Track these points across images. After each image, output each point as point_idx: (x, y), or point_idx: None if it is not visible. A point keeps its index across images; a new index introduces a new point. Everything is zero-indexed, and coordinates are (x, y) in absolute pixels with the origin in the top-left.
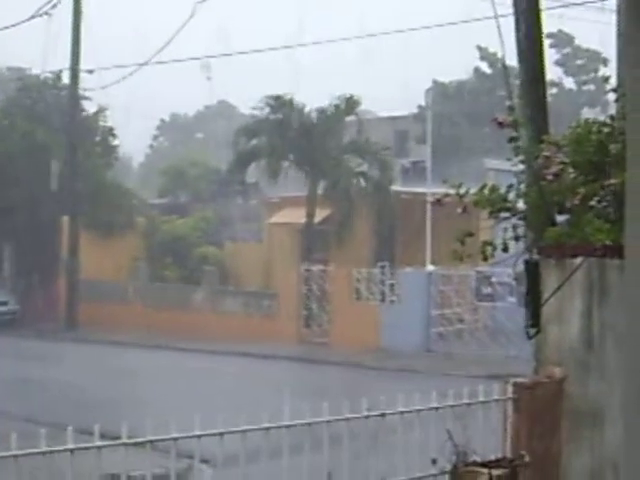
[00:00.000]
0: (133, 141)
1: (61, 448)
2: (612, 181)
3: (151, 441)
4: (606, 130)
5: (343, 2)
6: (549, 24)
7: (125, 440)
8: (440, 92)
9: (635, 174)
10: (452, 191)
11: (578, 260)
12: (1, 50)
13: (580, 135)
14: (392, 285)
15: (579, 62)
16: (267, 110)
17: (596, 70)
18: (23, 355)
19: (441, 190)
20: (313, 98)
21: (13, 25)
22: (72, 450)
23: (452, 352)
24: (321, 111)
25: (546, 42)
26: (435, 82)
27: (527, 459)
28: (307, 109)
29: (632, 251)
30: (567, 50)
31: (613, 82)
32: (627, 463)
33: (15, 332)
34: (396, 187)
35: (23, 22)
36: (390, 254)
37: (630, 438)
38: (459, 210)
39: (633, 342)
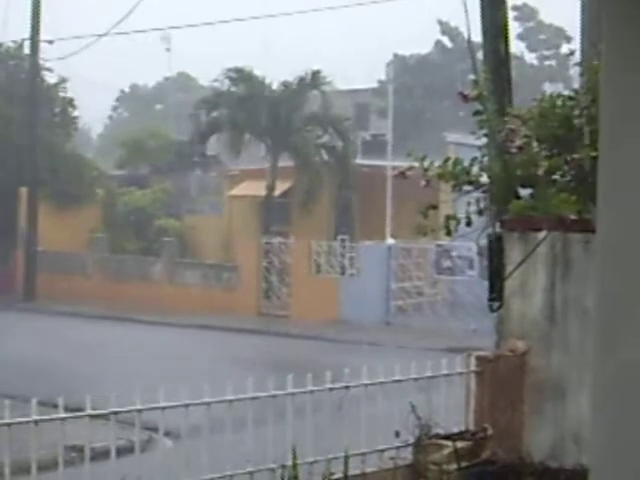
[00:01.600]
0: (92, 112)
1: (25, 419)
2: (575, 156)
3: (115, 412)
4: (570, 104)
5: None
6: None
7: (89, 412)
8: (401, 66)
9: (606, 149)
10: (415, 164)
11: (542, 234)
12: None
13: (545, 109)
14: (352, 258)
15: (542, 37)
16: (227, 83)
17: (558, 46)
18: None
19: (401, 164)
20: (273, 70)
21: None
22: (36, 421)
23: (411, 325)
24: (286, 84)
25: (510, 15)
26: (396, 55)
27: (490, 432)
28: (267, 81)
29: (603, 228)
30: (530, 24)
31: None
32: (595, 442)
33: None
34: (357, 160)
35: None
36: (350, 227)
37: (598, 416)
38: (422, 183)
39: (602, 318)
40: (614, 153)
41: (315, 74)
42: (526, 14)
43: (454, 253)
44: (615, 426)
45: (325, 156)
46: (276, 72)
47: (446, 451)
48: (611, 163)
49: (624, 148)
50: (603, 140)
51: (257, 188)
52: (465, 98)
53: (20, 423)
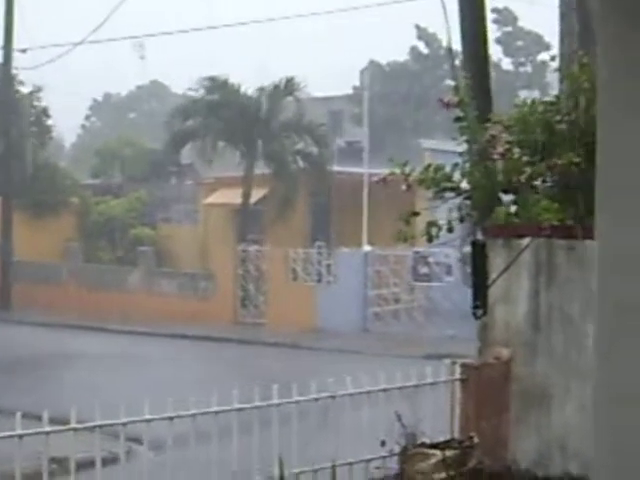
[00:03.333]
0: (65, 121)
1: (10, 434)
2: (558, 161)
3: (100, 426)
4: (551, 110)
5: None
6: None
7: (74, 425)
8: (377, 73)
9: (605, 152)
10: (396, 170)
11: (525, 241)
12: None
13: (525, 114)
14: (329, 265)
15: (519, 43)
16: (202, 91)
17: (536, 53)
18: None
19: (378, 170)
20: (247, 78)
21: None
22: (21, 436)
23: (389, 332)
24: (260, 90)
25: (489, 17)
26: (371, 62)
27: (476, 440)
28: (242, 89)
29: (602, 233)
30: (509, 29)
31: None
32: (597, 453)
33: None
34: (333, 167)
35: None
36: (327, 234)
37: (600, 425)
38: (404, 188)
39: (602, 325)
40: (613, 156)
41: (289, 81)
42: (506, 18)
43: (431, 259)
44: (617, 436)
45: (301, 163)
46: (250, 79)
47: (433, 460)
48: (610, 166)
49: (623, 151)
50: (601, 144)
51: (232, 196)
52: (446, 105)
53: (4, 437)
